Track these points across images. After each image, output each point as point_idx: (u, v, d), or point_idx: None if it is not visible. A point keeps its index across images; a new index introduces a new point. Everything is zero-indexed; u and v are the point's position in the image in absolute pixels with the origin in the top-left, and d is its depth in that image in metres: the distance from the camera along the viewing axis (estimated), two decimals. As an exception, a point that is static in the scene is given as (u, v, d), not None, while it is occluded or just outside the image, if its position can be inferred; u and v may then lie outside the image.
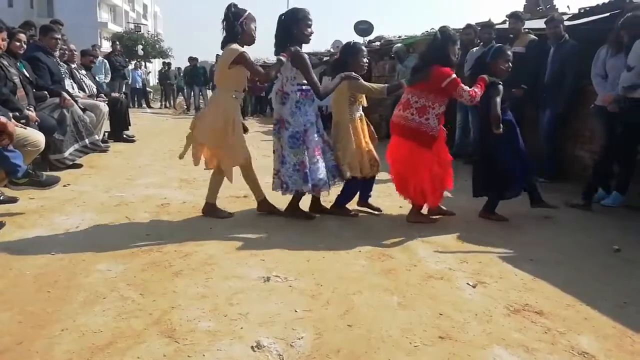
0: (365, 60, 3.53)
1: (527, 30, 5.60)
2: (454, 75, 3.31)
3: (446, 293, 2.38)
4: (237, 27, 3.23)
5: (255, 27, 3.33)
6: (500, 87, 3.48)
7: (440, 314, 2.15)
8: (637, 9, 4.10)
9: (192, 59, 15.03)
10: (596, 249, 3.13)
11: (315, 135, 3.33)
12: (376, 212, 3.74)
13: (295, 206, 3.57)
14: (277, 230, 3.25)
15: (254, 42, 3.36)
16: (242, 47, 3.27)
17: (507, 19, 5.79)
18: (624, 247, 3.10)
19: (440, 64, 3.33)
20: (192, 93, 14.95)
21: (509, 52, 3.57)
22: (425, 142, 3.39)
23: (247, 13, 3.27)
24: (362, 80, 3.44)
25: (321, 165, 3.32)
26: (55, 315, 2.01)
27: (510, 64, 3.55)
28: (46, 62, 5.21)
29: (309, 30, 3.33)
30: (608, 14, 4.69)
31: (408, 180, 3.50)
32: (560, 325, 2.08)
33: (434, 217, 3.67)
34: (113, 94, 7.95)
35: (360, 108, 3.59)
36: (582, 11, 5.73)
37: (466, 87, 3.34)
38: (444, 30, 3.42)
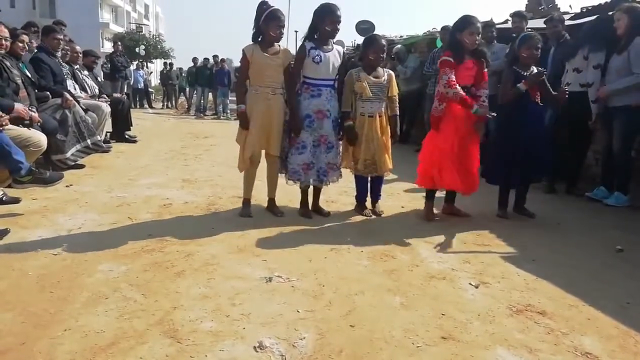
0: (377, 54, 3.51)
1: (530, 29, 5.58)
2: (445, 57, 3.41)
3: (449, 293, 2.38)
4: (256, 27, 3.36)
5: (279, 25, 3.33)
6: (511, 73, 3.57)
7: (443, 314, 2.14)
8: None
9: (195, 59, 15.06)
10: (599, 249, 3.12)
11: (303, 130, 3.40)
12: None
13: (302, 202, 3.64)
14: (279, 231, 3.25)
15: (278, 40, 3.40)
16: (271, 44, 3.37)
17: (511, 18, 5.78)
18: (626, 247, 3.09)
19: (448, 49, 3.47)
20: (195, 93, 14.95)
21: (535, 39, 3.56)
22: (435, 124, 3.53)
23: (266, 12, 3.29)
24: (354, 78, 3.51)
25: (295, 157, 3.43)
26: (57, 315, 2.01)
27: (535, 51, 3.54)
28: (48, 63, 5.21)
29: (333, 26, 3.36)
30: (610, 14, 4.67)
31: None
32: (563, 326, 2.08)
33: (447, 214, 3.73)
34: (115, 95, 7.97)
35: (375, 105, 3.54)
36: (584, 10, 5.72)
37: (449, 75, 3.38)
38: (460, 18, 3.47)
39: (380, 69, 3.60)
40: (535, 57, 3.57)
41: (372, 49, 3.51)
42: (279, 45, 3.43)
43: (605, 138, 4.27)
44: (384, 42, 3.60)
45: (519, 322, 2.11)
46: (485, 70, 3.53)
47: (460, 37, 3.41)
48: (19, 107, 3.67)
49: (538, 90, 3.59)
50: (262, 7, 3.33)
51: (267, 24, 3.30)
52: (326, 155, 3.46)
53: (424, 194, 3.73)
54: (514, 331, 2.03)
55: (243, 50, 3.36)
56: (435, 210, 3.72)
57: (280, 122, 3.45)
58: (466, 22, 3.43)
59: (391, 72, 3.71)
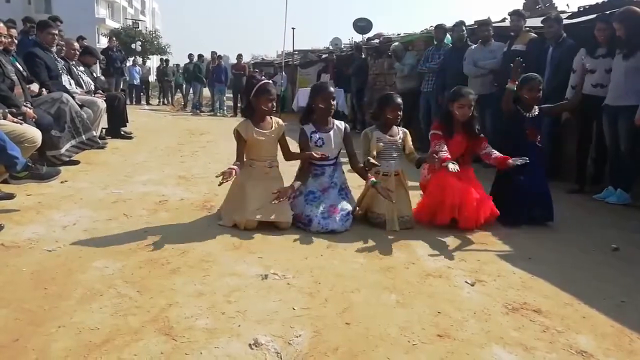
0: (394, 113, 3.44)
1: (528, 28, 5.60)
2: (434, 131, 3.45)
3: (444, 291, 2.38)
4: (247, 101, 3.38)
5: (269, 98, 3.29)
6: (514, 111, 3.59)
7: (439, 312, 2.14)
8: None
9: (191, 56, 15.00)
10: (595, 247, 3.13)
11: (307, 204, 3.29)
12: None
13: None
14: (275, 229, 3.23)
15: (269, 113, 3.38)
16: (263, 118, 3.33)
17: (509, 17, 5.79)
18: (622, 246, 3.10)
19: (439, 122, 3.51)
20: (192, 90, 14.89)
21: (536, 81, 3.54)
22: None
23: (257, 87, 3.27)
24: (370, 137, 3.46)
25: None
26: (51, 312, 2.00)
27: (537, 93, 3.55)
28: (43, 58, 5.18)
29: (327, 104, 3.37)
30: (607, 12, 4.68)
31: None
32: (558, 324, 2.08)
33: None
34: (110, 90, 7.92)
35: (391, 164, 3.45)
36: (581, 9, 5.73)
37: (433, 147, 3.39)
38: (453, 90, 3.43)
39: (395, 127, 3.54)
40: (537, 99, 3.59)
41: (389, 108, 3.43)
42: (271, 118, 3.41)
43: (611, 137, 4.27)
44: (400, 100, 3.51)
45: (515, 320, 2.11)
46: (480, 139, 3.49)
47: (452, 107, 3.40)
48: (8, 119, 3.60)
49: (538, 132, 3.60)
50: (252, 82, 3.34)
51: (258, 98, 3.27)
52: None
53: (420, 192, 3.73)
54: (510, 329, 2.03)
55: (237, 130, 3.29)
56: None
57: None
58: (456, 94, 3.42)
59: (405, 130, 3.63)
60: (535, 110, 3.62)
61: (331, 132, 3.43)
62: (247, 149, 3.35)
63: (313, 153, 3.30)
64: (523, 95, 3.57)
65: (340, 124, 3.52)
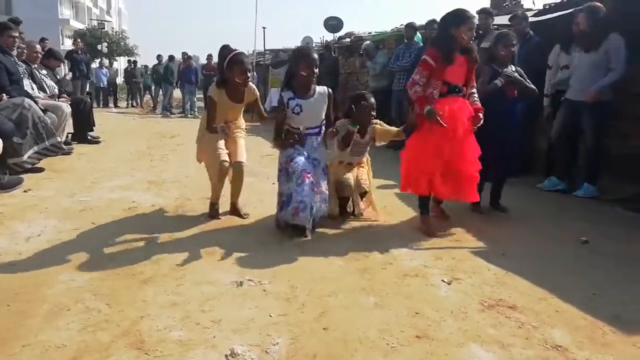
0: (369, 109, 3.41)
1: (495, 26, 5.68)
2: (426, 58, 3.16)
3: (422, 291, 2.38)
4: (221, 72, 3.28)
5: (243, 69, 3.19)
6: (489, 71, 3.57)
7: (417, 313, 2.14)
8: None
9: (160, 57, 14.74)
10: (566, 241, 3.19)
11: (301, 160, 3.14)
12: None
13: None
14: (249, 233, 3.18)
15: (244, 87, 3.29)
16: (236, 90, 3.27)
17: (477, 15, 5.85)
18: (592, 239, 3.17)
19: (436, 48, 3.20)
20: (162, 91, 14.61)
21: (510, 36, 3.60)
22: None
23: (229, 57, 3.18)
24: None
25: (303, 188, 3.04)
26: (15, 330, 1.90)
27: (512, 48, 3.58)
28: (3, 62, 4.97)
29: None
30: (572, 10, 4.79)
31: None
32: (533, 320, 2.11)
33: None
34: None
35: (355, 159, 3.52)
36: (547, 7, 5.85)
37: (414, 76, 3.18)
38: (455, 13, 3.22)
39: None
40: (512, 54, 3.63)
41: (361, 107, 3.36)
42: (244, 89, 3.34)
43: (563, 130, 4.40)
44: (373, 100, 3.46)
45: (491, 317, 2.12)
46: (474, 66, 3.31)
47: (457, 32, 3.11)
48: None
49: (515, 87, 3.57)
50: (224, 52, 3.23)
51: (231, 69, 3.16)
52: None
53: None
54: (487, 327, 2.04)
55: (210, 95, 3.25)
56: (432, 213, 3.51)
57: (243, 141, 3.50)
58: (463, 17, 3.13)
59: (374, 125, 3.52)
60: (511, 68, 3.62)
61: (311, 99, 3.20)
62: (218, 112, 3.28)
63: (291, 126, 3.18)
64: (499, 52, 3.58)
65: (322, 90, 3.27)
